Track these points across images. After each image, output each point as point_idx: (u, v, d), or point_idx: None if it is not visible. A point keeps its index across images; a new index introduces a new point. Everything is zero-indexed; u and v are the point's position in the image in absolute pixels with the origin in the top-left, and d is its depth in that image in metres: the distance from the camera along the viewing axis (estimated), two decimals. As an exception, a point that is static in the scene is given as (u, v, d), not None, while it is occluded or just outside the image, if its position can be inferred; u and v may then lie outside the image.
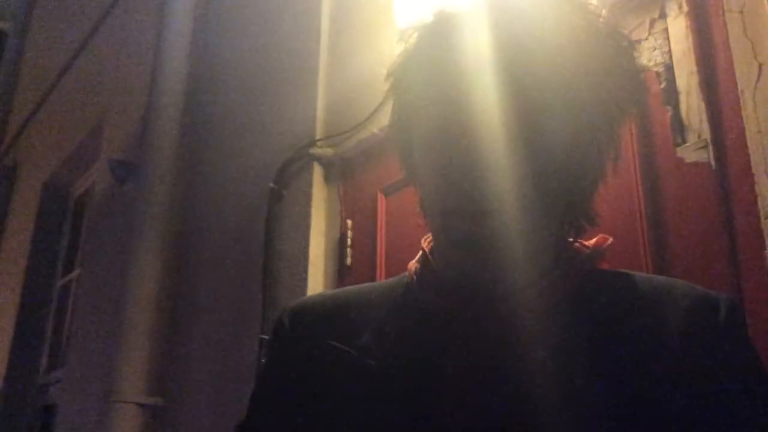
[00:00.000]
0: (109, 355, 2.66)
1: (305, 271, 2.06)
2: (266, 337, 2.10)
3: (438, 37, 0.79)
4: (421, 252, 0.87)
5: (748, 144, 1.24)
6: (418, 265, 0.86)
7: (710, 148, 1.30)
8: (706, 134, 1.31)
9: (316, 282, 2.06)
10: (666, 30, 1.42)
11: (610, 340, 0.73)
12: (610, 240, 0.84)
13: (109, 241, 3.29)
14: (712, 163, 1.29)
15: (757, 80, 1.26)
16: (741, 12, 1.31)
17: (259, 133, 2.46)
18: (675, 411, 0.69)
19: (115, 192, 3.28)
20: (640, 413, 0.69)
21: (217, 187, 2.60)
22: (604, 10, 0.83)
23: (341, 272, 2.02)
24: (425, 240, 0.89)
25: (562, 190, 0.78)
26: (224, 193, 2.54)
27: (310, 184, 2.15)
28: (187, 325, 2.53)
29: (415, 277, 0.85)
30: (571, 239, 0.83)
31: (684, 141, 1.34)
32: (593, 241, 0.84)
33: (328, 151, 2.15)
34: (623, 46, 0.80)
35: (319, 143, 2.17)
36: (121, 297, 2.67)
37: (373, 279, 1.91)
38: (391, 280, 0.91)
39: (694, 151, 1.32)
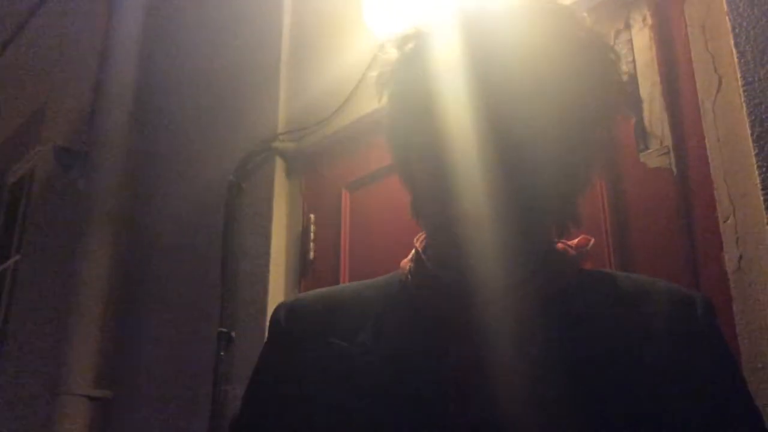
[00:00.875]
0: (54, 346, 2.60)
1: (266, 265, 2.07)
2: (225, 330, 2.09)
3: (430, 45, 0.82)
4: (414, 251, 0.90)
5: (708, 152, 1.32)
6: (411, 264, 0.89)
7: (672, 154, 1.37)
8: (668, 141, 1.38)
9: (278, 276, 2.06)
10: (630, 41, 1.49)
11: (596, 338, 0.78)
12: (593, 240, 0.89)
13: (52, 230, 3.20)
14: (674, 168, 1.36)
15: (717, 92, 1.33)
16: (703, 26, 1.39)
17: (218, 125, 2.44)
18: (656, 407, 0.73)
19: (60, 180, 3.19)
20: (624, 410, 0.72)
21: (173, 178, 2.57)
22: (586, 18, 0.86)
23: (303, 267, 2.03)
24: (417, 239, 0.92)
25: (553, 197, 0.81)
26: (181, 185, 2.51)
27: (271, 178, 2.15)
28: (140, 317, 2.49)
29: (409, 276, 0.88)
30: (556, 240, 0.88)
31: (647, 147, 1.40)
32: (576, 241, 0.88)
33: (291, 146, 2.16)
34: (611, 59, 0.85)
35: (281, 137, 2.17)
36: (68, 287, 2.61)
37: (336, 274, 1.93)
38: (383, 278, 0.93)
39: (657, 157, 1.39)
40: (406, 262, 0.91)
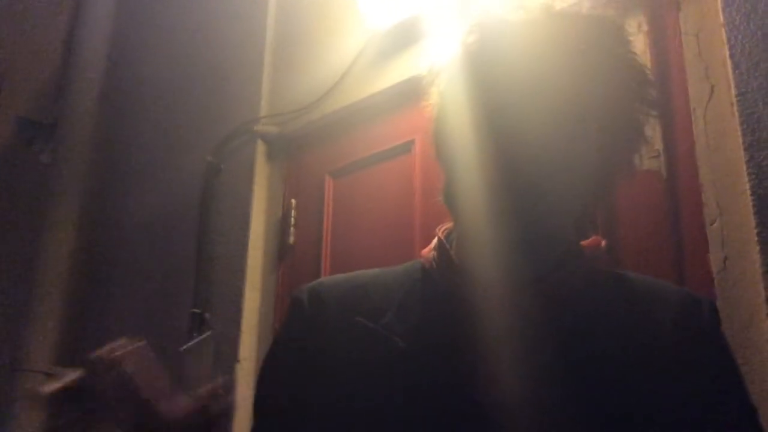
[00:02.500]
0: (14, 322, 2.53)
1: (244, 247, 2.06)
2: (198, 311, 2.08)
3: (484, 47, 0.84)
4: (437, 240, 0.92)
5: (698, 157, 1.37)
6: (435, 253, 0.91)
7: (662, 158, 1.42)
8: (659, 145, 1.43)
9: (255, 259, 2.06)
10: (625, 45, 1.53)
11: (606, 336, 0.80)
12: (604, 242, 0.92)
13: (10, 203, 3.11)
14: (664, 172, 1.41)
15: (709, 99, 1.39)
16: (697, 35, 1.44)
17: (197, 105, 2.41)
18: (659, 404, 0.76)
19: (21, 152, 3.10)
20: (630, 407, 0.75)
21: (147, 155, 2.53)
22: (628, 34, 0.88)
23: (282, 251, 2.03)
24: (440, 229, 0.94)
25: (576, 201, 0.84)
26: (156, 162, 2.47)
27: (252, 161, 2.14)
28: (108, 295, 2.45)
29: (434, 263, 0.90)
30: (575, 240, 0.91)
31: (641, 154, 1.45)
32: (588, 242, 0.92)
33: (273, 129, 2.15)
34: (647, 79, 0.87)
35: (263, 120, 2.16)
36: (29, 263, 2.54)
37: (317, 260, 1.94)
38: (402, 266, 0.95)
39: (648, 160, 1.44)
40: (428, 250, 0.93)
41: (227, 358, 1.98)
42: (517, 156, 0.78)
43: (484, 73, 0.82)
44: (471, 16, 0.88)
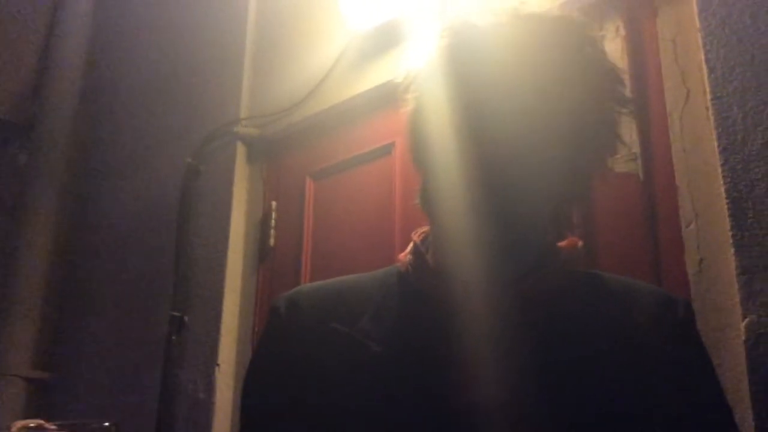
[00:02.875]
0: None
1: (224, 249, 2.05)
2: (177, 314, 2.07)
3: (460, 50, 0.84)
4: (412, 244, 0.93)
5: (674, 160, 1.39)
6: (411, 257, 0.91)
7: (639, 161, 1.44)
8: (636, 148, 1.45)
9: (235, 260, 2.05)
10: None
11: (583, 335, 0.81)
12: (581, 243, 0.93)
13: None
14: (641, 174, 1.43)
15: (685, 104, 1.41)
16: (673, 41, 1.46)
17: (177, 106, 2.40)
18: (635, 402, 0.77)
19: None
20: (606, 405, 0.76)
21: (126, 156, 2.51)
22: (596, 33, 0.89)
23: (263, 253, 2.03)
24: (416, 233, 0.95)
25: (551, 202, 0.85)
26: (136, 163, 2.45)
27: (232, 163, 2.14)
28: (85, 298, 2.43)
29: (410, 267, 0.90)
30: (552, 241, 0.92)
31: (615, 153, 1.46)
32: (565, 243, 0.93)
33: (253, 131, 2.15)
34: (617, 77, 0.88)
35: (243, 122, 2.15)
36: (6, 267, 2.51)
37: (297, 262, 1.94)
38: (381, 271, 0.95)
39: (625, 162, 1.45)
40: (404, 255, 0.93)
41: (207, 361, 1.97)
42: (493, 156, 0.79)
43: (457, 76, 0.82)
44: (443, 22, 0.89)
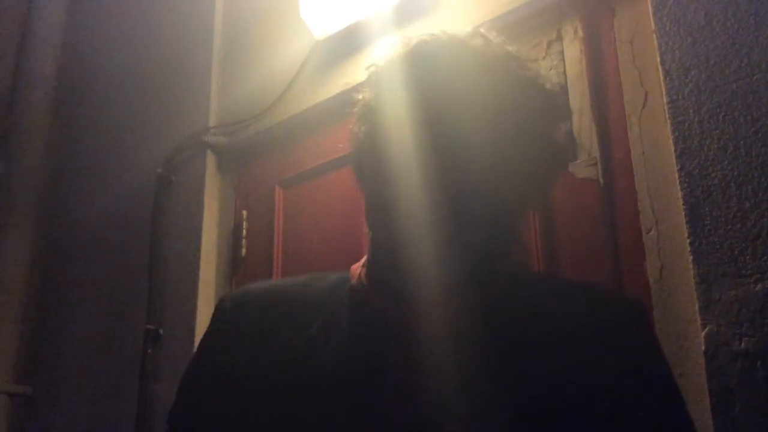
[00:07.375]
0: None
1: (196, 261, 2.04)
2: (152, 327, 2.06)
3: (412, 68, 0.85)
4: (366, 257, 0.92)
5: (633, 164, 1.37)
6: (364, 269, 0.91)
7: (599, 166, 1.42)
8: (596, 153, 1.43)
9: (208, 272, 2.04)
10: (562, 52, 1.52)
11: (531, 338, 0.80)
12: (526, 249, 0.92)
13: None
14: (601, 180, 1.41)
15: (643, 106, 1.38)
16: (631, 42, 1.43)
17: (147, 116, 2.37)
18: (585, 404, 0.76)
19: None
20: (555, 407, 0.76)
21: (99, 168, 2.49)
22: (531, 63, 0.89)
23: (235, 263, 2.01)
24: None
25: (490, 217, 0.84)
26: (107, 175, 2.43)
27: (202, 172, 2.11)
28: (63, 312, 2.41)
29: (364, 280, 0.89)
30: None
31: (575, 158, 1.45)
32: (514, 248, 0.91)
33: (222, 140, 2.13)
34: (551, 92, 0.88)
35: (212, 131, 2.13)
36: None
37: (269, 271, 1.92)
38: (333, 276, 0.95)
39: (584, 167, 1.43)
40: (357, 267, 0.93)
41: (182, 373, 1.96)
42: (448, 161, 0.79)
43: (408, 86, 0.84)
44: (393, 41, 0.91)
